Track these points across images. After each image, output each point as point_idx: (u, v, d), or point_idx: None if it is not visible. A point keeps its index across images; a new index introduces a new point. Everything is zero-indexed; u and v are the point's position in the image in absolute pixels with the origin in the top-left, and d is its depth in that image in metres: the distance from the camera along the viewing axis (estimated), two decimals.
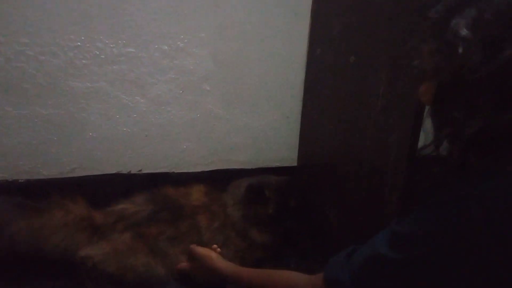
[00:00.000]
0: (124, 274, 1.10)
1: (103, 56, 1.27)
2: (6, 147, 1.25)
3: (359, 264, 0.72)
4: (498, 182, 0.55)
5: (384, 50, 1.08)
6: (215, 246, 1.15)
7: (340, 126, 1.32)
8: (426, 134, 0.81)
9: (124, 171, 1.41)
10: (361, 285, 0.70)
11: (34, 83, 1.22)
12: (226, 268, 1.04)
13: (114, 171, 1.40)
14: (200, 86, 1.42)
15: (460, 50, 0.56)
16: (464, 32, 0.56)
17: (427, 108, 0.74)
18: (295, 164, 1.65)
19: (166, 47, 1.34)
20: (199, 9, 1.34)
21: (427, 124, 0.71)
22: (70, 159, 1.33)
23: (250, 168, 1.58)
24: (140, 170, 1.43)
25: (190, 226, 1.21)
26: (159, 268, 1.15)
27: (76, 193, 1.21)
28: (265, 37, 1.45)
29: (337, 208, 1.34)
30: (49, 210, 1.15)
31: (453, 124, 0.60)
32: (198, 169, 1.51)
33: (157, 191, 1.27)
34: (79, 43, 1.24)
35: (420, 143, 0.99)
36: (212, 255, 1.09)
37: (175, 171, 1.48)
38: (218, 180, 1.43)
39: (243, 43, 1.43)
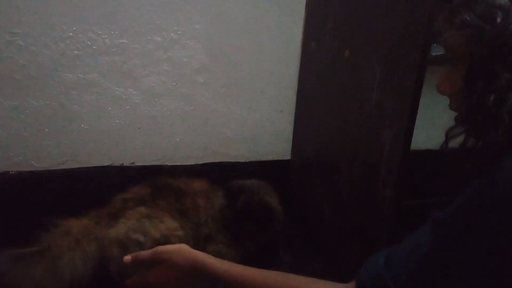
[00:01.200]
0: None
1: (95, 47, 1.26)
2: None
3: (403, 268, 0.61)
4: None
5: (379, 44, 1.08)
6: None
7: (334, 120, 1.31)
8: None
9: (117, 164, 1.40)
10: None
11: (25, 74, 1.20)
12: (217, 265, 0.79)
13: (106, 164, 1.38)
14: (194, 78, 1.40)
15: (499, 19, 0.56)
16: (501, 1, 0.57)
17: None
18: (288, 157, 1.65)
19: (159, 39, 1.32)
20: (193, 1, 1.33)
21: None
22: (62, 151, 1.31)
23: (244, 161, 1.57)
24: (133, 163, 1.42)
25: (192, 205, 1.19)
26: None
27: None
28: (259, 30, 1.44)
29: (330, 202, 1.34)
30: (46, 248, 0.96)
31: (492, 102, 0.57)
32: (192, 162, 1.50)
33: (155, 180, 1.24)
34: (71, 34, 1.22)
35: (414, 138, 0.99)
36: (187, 248, 0.84)
37: (168, 164, 1.47)
38: (211, 173, 1.42)
39: (238, 36, 1.42)
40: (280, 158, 1.64)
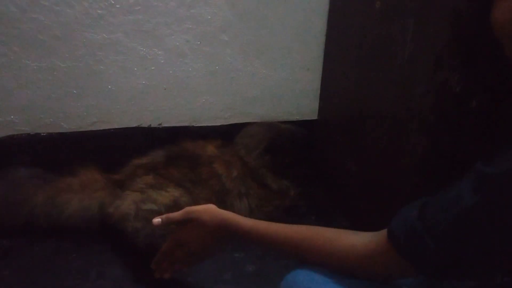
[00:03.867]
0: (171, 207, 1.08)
1: (118, 6, 1.24)
2: (27, 100, 1.26)
3: (440, 220, 0.56)
4: None
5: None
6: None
7: (363, 77, 1.27)
8: None
9: (144, 125, 1.41)
10: (446, 245, 0.55)
11: (50, 34, 1.21)
12: (244, 222, 0.80)
13: (134, 125, 1.39)
14: (218, 36, 1.37)
15: None
16: None
17: None
18: (315, 117, 1.62)
19: None
20: None
21: None
22: (90, 113, 1.33)
23: (270, 121, 1.56)
24: (160, 124, 1.42)
25: (211, 173, 1.21)
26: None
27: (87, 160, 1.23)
28: None
29: (356, 159, 1.32)
30: (64, 179, 1.17)
31: None
32: (217, 122, 1.49)
33: (174, 145, 1.27)
34: None
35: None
36: (215, 208, 0.85)
37: (195, 125, 1.47)
38: (237, 133, 1.42)
39: None
40: (307, 118, 1.61)
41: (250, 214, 1.22)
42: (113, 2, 1.23)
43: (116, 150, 1.35)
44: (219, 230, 0.82)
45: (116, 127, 1.37)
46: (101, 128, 1.36)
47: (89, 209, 1.13)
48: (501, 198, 0.50)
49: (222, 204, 1.07)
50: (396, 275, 0.65)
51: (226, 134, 1.41)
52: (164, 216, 0.89)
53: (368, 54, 1.23)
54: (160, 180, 1.15)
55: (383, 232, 0.63)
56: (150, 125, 1.42)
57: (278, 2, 1.40)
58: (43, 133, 1.31)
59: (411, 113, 1.04)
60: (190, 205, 0.88)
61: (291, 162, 1.29)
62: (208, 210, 0.85)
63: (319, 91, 1.59)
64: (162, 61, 1.34)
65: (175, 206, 1.06)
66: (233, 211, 0.84)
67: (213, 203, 0.87)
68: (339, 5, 1.40)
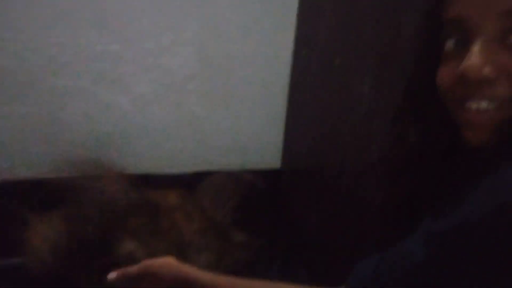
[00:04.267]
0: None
1: (85, 54, 1.25)
2: None
3: (392, 275, 0.58)
4: None
5: (369, 53, 1.09)
6: None
7: (324, 130, 1.32)
8: None
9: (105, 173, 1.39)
10: None
11: (14, 80, 1.20)
12: (203, 277, 0.80)
13: (94, 173, 1.37)
14: (184, 86, 1.40)
15: None
16: None
17: None
18: (278, 167, 1.65)
19: (150, 46, 1.32)
20: (184, 7, 1.33)
21: None
22: (49, 160, 1.30)
23: (233, 170, 1.57)
24: (121, 172, 1.41)
25: (171, 225, 1.20)
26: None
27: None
28: (250, 38, 1.45)
29: (318, 212, 1.34)
30: None
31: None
32: (181, 170, 1.49)
33: (134, 193, 1.25)
34: (61, 40, 1.22)
35: None
36: (174, 262, 0.84)
37: (157, 172, 1.46)
38: (200, 182, 1.42)
39: (229, 44, 1.42)
40: (270, 167, 1.63)
41: (210, 267, 1.19)
42: (80, 50, 1.24)
43: (74, 198, 1.31)
44: (177, 284, 0.80)
45: (76, 174, 1.34)
46: (59, 176, 1.33)
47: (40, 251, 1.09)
48: (449, 255, 0.51)
49: (181, 257, 1.04)
50: None
51: (190, 182, 1.40)
52: (120, 270, 0.86)
53: (329, 108, 1.29)
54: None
55: None
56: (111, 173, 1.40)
57: (244, 56, 1.45)
58: None
59: (368, 166, 1.09)
60: (146, 258, 0.87)
61: (253, 214, 1.29)
62: (166, 263, 0.83)
63: (282, 142, 1.63)
64: (126, 109, 1.35)
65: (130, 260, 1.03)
66: (193, 265, 0.83)
67: (172, 256, 0.86)
68: (301, 61, 1.47)
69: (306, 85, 1.44)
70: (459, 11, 0.54)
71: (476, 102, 0.54)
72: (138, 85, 1.34)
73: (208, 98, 1.45)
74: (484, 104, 0.53)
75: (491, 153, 0.55)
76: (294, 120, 1.55)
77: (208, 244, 1.20)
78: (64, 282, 1.10)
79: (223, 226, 1.25)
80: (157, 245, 1.15)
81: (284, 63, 1.51)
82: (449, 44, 0.56)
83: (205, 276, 0.80)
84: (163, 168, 1.46)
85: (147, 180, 1.41)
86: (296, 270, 1.34)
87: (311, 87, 1.40)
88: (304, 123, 1.46)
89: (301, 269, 1.36)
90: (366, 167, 1.10)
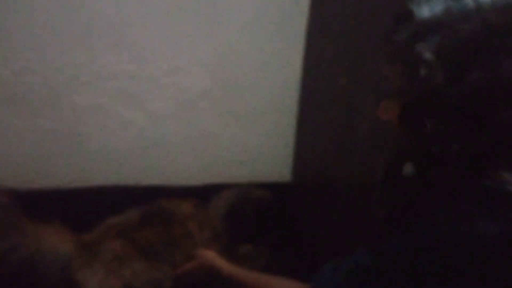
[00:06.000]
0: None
1: (105, 72, 1.33)
2: (9, 156, 1.30)
3: (342, 277, 0.74)
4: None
5: (372, 74, 1.14)
6: None
7: (332, 145, 1.36)
8: None
9: (123, 184, 1.45)
10: None
11: (39, 96, 1.28)
12: (226, 266, 1.09)
13: (112, 183, 1.44)
14: (197, 103, 1.47)
15: (423, 72, 0.58)
16: (427, 55, 0.58)
17: None
18: (288, 180, 1.70)
19: (165, 66, 1.40)
20: (198, 30, 1.40)
21: None
22: (69, 171, 1.37)
23: (244, 182, 1.62)
24: (137, 183, 1.47)
25: (184, 233, 1.25)
26: (156, 272, 1.17)
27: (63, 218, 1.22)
28: (262, 58, 1.52)
29: (327, 225, 1.38)
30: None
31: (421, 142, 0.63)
32: (193, 183, 1.55)
33: (150, 204, 1.31)
34: (82, 60, 1.30)
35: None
36: (211, 254, 1.16)
37: (171, 184, 1.52)
38: (212, 194, 1.47)
39: (240, 63, 1.49)
40: (280, 180, 1.68)
41: None
42: (100, 69, 1.32)
43: (93, 208, 1.38)
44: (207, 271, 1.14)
45: (94, 185, 1.41)
46: (80, 186, 1.40)
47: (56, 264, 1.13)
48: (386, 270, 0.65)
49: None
50: None
51: (202, 194, 1.46)
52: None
53: (336, 125, 1.34)
54: (128, 249, 1.17)
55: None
56: (128, 184, 1.46)
57: (255, 75, 1.52)
58: (21, 188, 1.34)
59: (374, 181, 1.13)
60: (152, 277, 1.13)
61: (256, 228, 1.34)
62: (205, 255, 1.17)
63: (292, 156, 1.68)
64: (142, 124, 1.42)
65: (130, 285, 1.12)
66: None
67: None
68: (310, 78, 1.52)
69: (315, 103, 1.50)
70: None
71: None
72: (153, 102, 1.41)
73: (220, 115, 1.52)
74: None
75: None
76: (304, 135, 1.60)
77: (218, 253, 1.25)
78: None
79: (230, 238, 1.30)
80: (170, 256, 1.21)
81: (293, 82, 1.58)
82: None
83: (227, 265, 1.10)
84: (177, 181, 1.53)
85: (162, 191, 1.47)
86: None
87: (319, 104, 1.45)
88: (314, 138, 1.51)
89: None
90: (371, 182, 1.14)
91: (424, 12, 0.60)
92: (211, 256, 1.16)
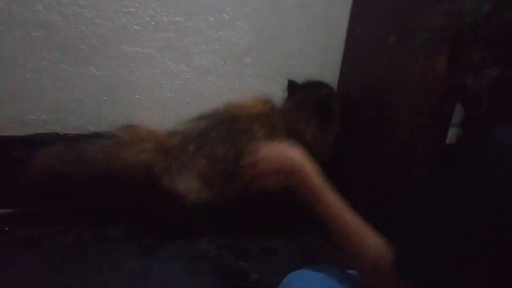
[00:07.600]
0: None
1: (153, 23, 1.35)
2: (60, 102, 1.35)
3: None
4: None
5: (422, 33, 1.11)
6: None
7: (375, 107, 1.35)
8: None
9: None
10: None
11: (89, 44, 1.31)
12: (319, 179, 0.82)
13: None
14: (241, 58, 1.48)
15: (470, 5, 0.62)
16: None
17: None
18: None
19: (212, 19, 1.40)
20: None
21: None
22: (117, 118, 1.42)
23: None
24: None
25: (245, 128, 1.28)
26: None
27: None
28: (307, 15, 1.50)
29: (367, 182, 1.39)
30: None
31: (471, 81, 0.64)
32: None
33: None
34: (132, 9, 1.32)
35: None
36: (299, 152, 0.90)
37: None
38: None
39: (285, 20, 1.49)
40: None
41: None
42: (148, 20, 1.34)
43: None
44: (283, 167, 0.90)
45: None
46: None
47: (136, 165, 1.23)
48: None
49: None
50: None
51: None
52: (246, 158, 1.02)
53: (381, 85, 1.32)
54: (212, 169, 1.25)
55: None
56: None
57: (300, 32, 1.51)
58: (71, 134, 1.39)
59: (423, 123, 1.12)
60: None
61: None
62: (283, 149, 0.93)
63: None
64: (187, 77, 1.44)
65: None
66: None
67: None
68: (355, 37, 1.50)
69: (359, 62, 1.48)
70: None
71: None
72: (199, 55, 1.43)
73: (262, 71, 1.52)
74: None
75: None
76: (345, 98, 1.59)
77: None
78: None
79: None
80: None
81: (338, 40, 1.56)
82: None
83: (322, 181, 0.83)
84: None
85: None
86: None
87: (364, 64, 1.43)
88: (355, 101, 1.50)
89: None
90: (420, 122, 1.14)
91: None
92: (300, 156, 0.88)
